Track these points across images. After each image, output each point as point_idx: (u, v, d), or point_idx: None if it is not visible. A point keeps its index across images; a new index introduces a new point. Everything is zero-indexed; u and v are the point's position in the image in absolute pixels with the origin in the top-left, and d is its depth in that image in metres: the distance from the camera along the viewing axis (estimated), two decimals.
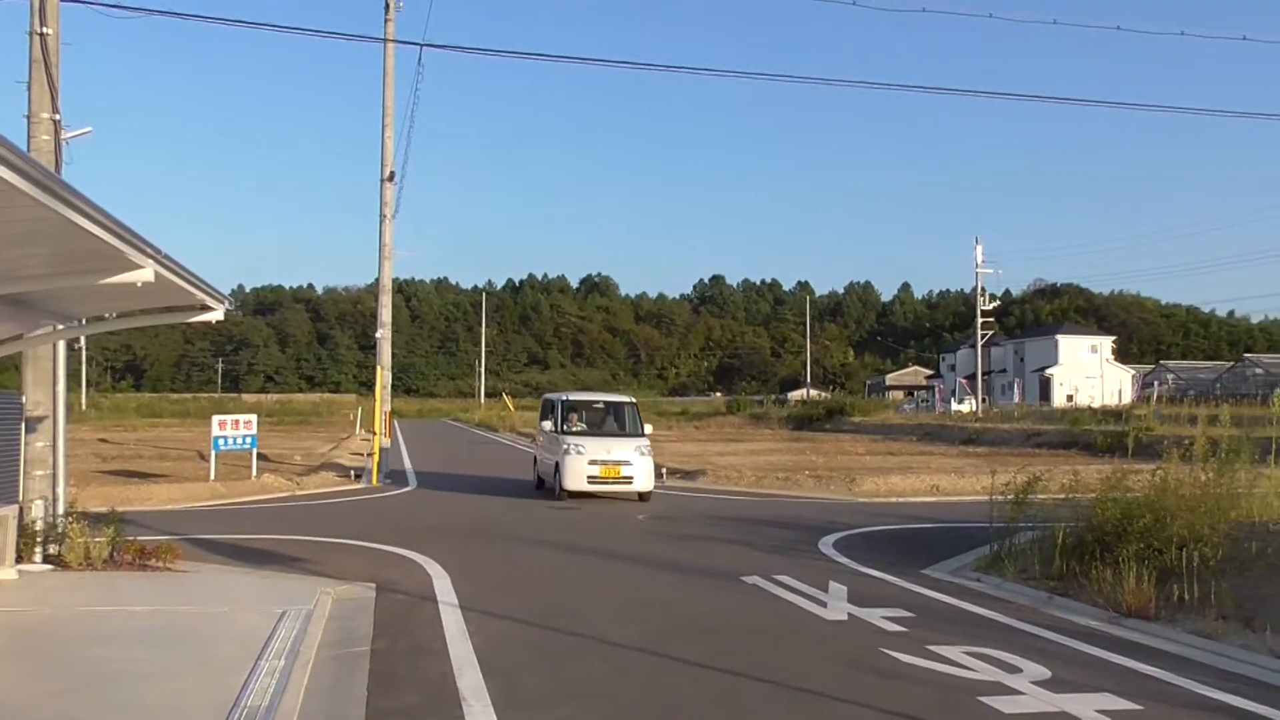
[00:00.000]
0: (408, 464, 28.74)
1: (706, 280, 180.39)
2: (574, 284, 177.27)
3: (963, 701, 6.47)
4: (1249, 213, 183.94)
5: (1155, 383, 73.85)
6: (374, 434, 24.58)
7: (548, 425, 20.05)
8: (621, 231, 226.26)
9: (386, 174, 24.48)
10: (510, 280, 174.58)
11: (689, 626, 8.70)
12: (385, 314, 24.93)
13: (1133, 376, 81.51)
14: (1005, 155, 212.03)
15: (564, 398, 20.59)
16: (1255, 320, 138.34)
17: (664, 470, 23.12)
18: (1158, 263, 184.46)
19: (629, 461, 18.77)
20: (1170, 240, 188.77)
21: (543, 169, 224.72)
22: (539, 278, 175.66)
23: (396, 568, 11.55)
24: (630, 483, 18.80)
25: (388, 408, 24.60)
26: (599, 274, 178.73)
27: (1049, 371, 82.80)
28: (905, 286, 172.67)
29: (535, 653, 7.72)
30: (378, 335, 24.92)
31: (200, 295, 9.18)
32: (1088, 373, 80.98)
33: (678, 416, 69.90)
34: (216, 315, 9.95)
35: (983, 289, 61.81)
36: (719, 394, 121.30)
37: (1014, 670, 7.19)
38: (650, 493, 19.12)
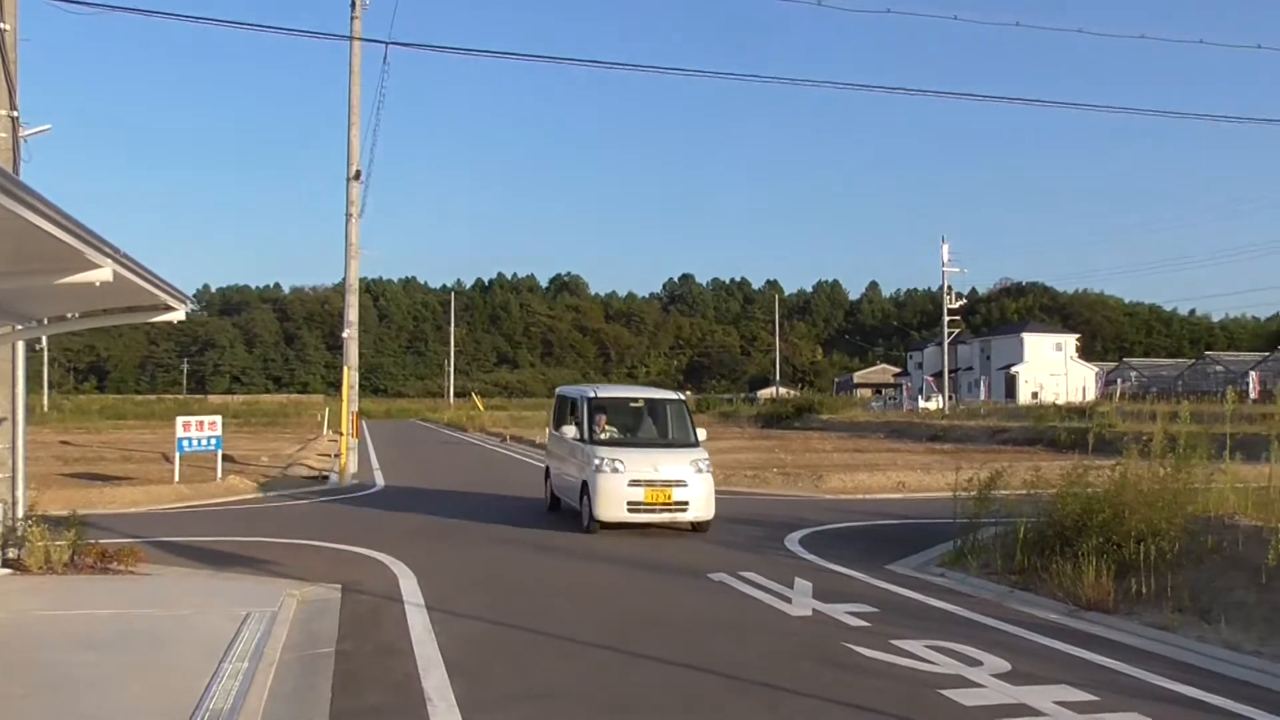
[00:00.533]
0: (375, 464, 28.58)
1: (676, 279, 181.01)
2: (543, 283, 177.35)
3: (924, 695, 6.56)
4: (1210, 213, 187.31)
5: (1118, 380, 75.04)
6: (341, 435, 24.42)
7: (570, 431, 15.30)
8: (591, 231, 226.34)
9: (352, 173, 24.30)
10: (479, 279, 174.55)
11: (655, 624, 8.74)
12: (352, 314, 24.77)
13: (1096, 374, 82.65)
14: (972, 155, 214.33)
15: (589, 394, 15.70)
16: (1216, 319, 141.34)
17: None
18: (1121, 262, 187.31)
19: (683, 481, 14.11)
20: (1133, 240, 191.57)
21: (511, 168, 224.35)
22: (508, 277, 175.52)
23: (362, 568, 11.49)
24: (684, 509, 14.13)
25: (355, 408, 24.44)
26: (568, 273, 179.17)
27: (1014, 369, 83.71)
28: (873, 285, 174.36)
29: (501, 651, 7.72)
30: (345, 335, 24.75)
31: (161, 295, 9.10)
32: (1052, 370, 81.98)
33: None
34: (178, 315, 9.88)
35: (949, 288, 62.60)
36: (689, 392, 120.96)
37: (974, 663, 7.30)
38: (708, 522, 14.50)
